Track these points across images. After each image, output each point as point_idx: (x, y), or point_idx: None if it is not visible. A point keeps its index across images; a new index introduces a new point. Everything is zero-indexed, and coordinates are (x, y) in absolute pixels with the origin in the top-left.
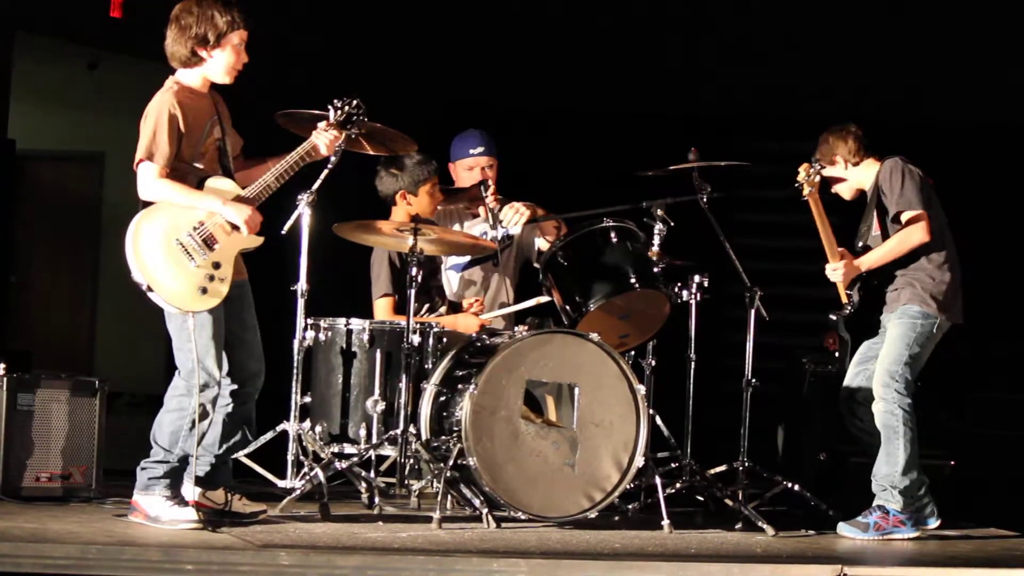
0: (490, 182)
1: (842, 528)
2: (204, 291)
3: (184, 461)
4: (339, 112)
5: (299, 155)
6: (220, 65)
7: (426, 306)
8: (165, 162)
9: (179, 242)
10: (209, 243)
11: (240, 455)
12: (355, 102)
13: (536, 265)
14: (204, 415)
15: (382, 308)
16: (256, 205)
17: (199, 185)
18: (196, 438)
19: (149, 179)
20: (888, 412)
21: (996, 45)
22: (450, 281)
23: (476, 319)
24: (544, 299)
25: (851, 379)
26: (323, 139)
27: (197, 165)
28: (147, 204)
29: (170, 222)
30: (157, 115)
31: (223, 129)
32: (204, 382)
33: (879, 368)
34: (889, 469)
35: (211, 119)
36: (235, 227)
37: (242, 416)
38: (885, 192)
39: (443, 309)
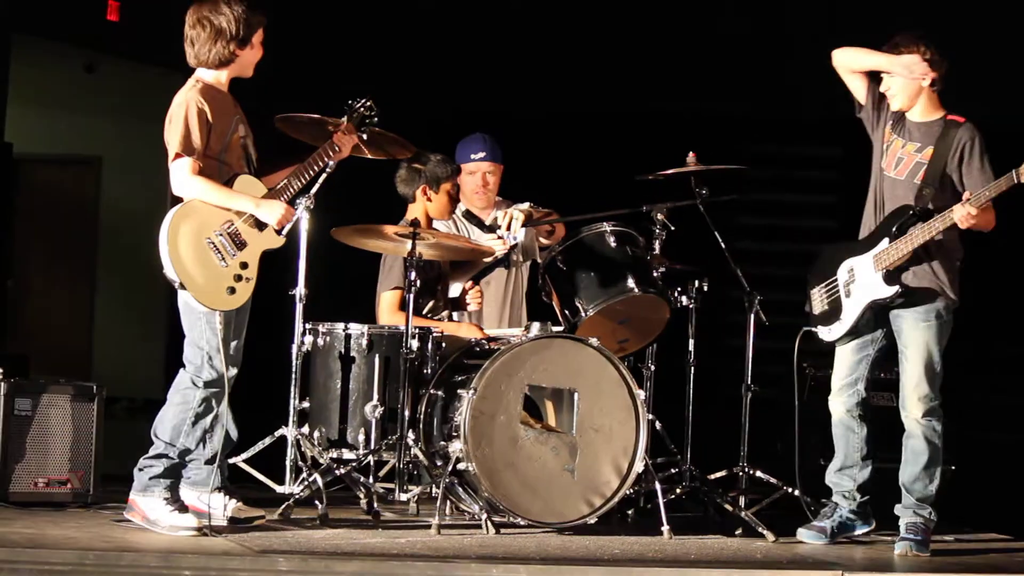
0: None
1: (910, 547)
2: (232, 291)
3: (184, 458)
4: (354, 114)
5: (318, 155)
6: (248, 61)
7: (430, 303)
8: (199, 156)
9: (210, 241)
10: (239, 243)
11: (239, 460)
12: (368, 103)
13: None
14: (208, 411)
15: (388, 300)
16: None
17: (229, 183)
18: (199, 434)
19: (184, 175)
20: (931, 429)
21: (998, 46)
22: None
23: (478, 330)
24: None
25: (848, 395)
26: (342, 141)
27: (225, 160)
28: (177, 200)
29: (202, 220)
30: (186, 109)
31: (247, 129)
32: (212, 378)
33: (915, 381)
34: (927, 486)
35: (236, 116)
36: (262, 227)
37: (217, 413)
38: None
39: (445, 313)
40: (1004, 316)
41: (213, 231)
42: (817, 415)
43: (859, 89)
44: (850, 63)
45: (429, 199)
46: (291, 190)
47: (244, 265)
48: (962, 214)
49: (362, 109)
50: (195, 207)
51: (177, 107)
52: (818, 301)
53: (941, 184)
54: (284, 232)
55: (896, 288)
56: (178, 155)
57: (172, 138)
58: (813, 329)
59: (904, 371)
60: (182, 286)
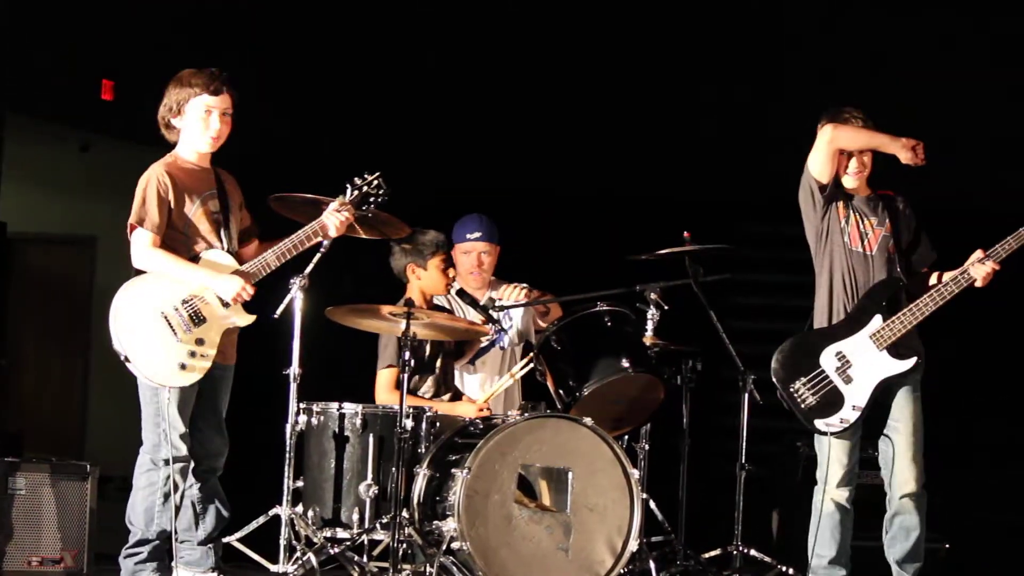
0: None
1: None
2: (183, 367)
3: (164, 539)
4: (355, 192)
5: (305, 234)
6: (189, 133)
7: (427, 383)
8: (155, 228)
9: (164, 315)
10: (195, 318)
11: (233, 539)
12: (375, 181)
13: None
14: (176, 487)
15: (384, 379)
16: (253, 281)
17: (194, 258)
18: (172, 512)
19: (141, 246)
20: (923, 502)
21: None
22: (463, 376)
23: (474, 406)
24: (523, 361)
25: (851, 483)
26: (333, 219)
27: (191, 236)
28: (138, 272)
29: (158, 294)
30: (145, 183)
31: (225, 204)
32: (171, 456)
33: (911, 454)
34: (916, 560)
35: (208, 191)
36: (225, 303)
37: (208, 493)
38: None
39: (447, 397)
40: (991, 392)
41: (170, 305)
42: (810, 494)
43: (832, 168)
44: (849, 143)
45: (418, 277)
46: (265, 267)
47: (200, 341)
48: (985, 272)
49: (366, 187)
50: (151, 280)
51: (141, 180)
52: (808, 395)
53: (908, 253)
54: (279, 312)
55: (915, 358)
56: (133, 227)
57: (133, 207)
58: (811, 425)
59: (897, 445)
60: (127, 360)
